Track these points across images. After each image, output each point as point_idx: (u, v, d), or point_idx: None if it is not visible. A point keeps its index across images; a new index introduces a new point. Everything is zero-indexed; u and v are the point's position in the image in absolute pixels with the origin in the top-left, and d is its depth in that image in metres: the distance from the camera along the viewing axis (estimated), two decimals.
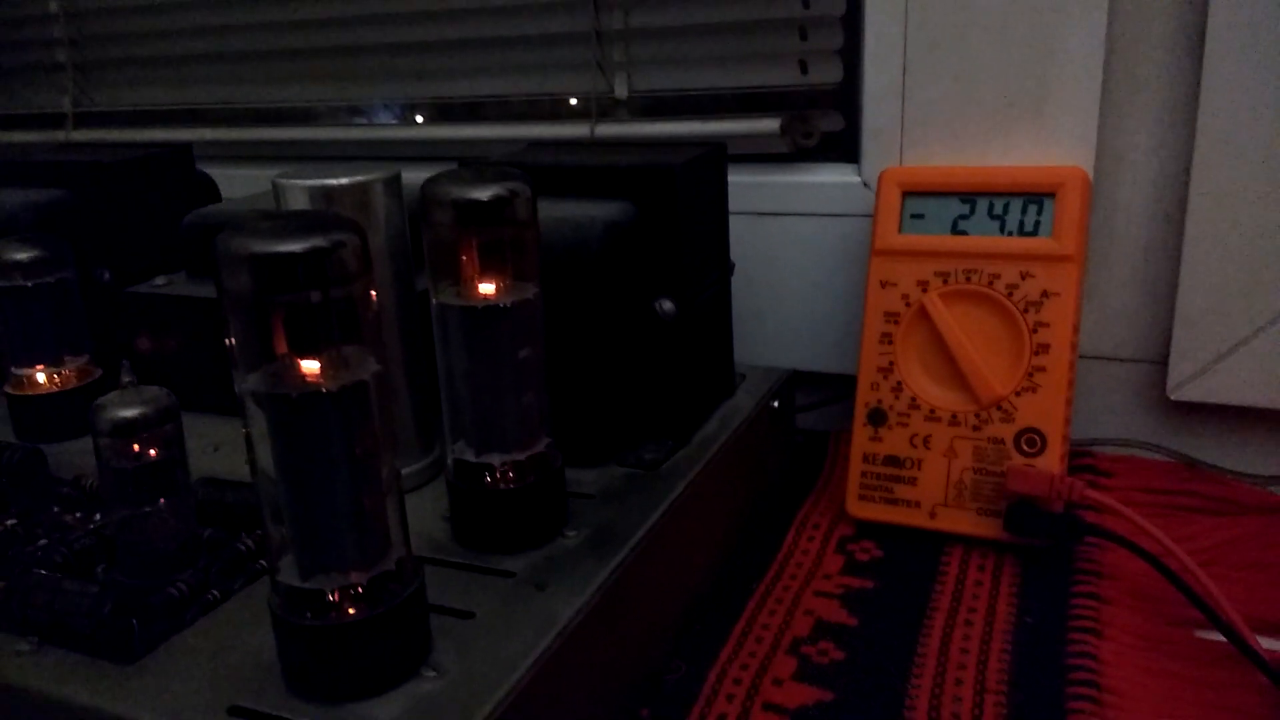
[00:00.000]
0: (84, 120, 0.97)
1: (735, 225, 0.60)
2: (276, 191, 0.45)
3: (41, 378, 0.60)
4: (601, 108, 0.73)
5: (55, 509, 0.50)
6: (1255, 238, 0.57)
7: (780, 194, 0.68)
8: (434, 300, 0.42)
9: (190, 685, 0.36)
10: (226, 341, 0.32)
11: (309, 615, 0.34)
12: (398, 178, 0.47)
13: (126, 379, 0.42)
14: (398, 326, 0.49)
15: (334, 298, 0.31)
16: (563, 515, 0.46)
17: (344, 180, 0.44)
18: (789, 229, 0.68)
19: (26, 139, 0.99)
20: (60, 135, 0.97)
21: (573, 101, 0.75)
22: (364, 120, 0.92)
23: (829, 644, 0.49)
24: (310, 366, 0.32)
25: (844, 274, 0.67)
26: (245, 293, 0.30)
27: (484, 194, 0.40)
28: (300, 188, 0.44)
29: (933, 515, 0.57)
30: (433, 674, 0.36)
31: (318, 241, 0.30)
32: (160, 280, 0.63)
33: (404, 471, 0.50)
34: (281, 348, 0.32)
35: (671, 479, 0.50)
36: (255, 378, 0.32)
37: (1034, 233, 0.56)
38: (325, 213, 0.40)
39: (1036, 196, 0.56)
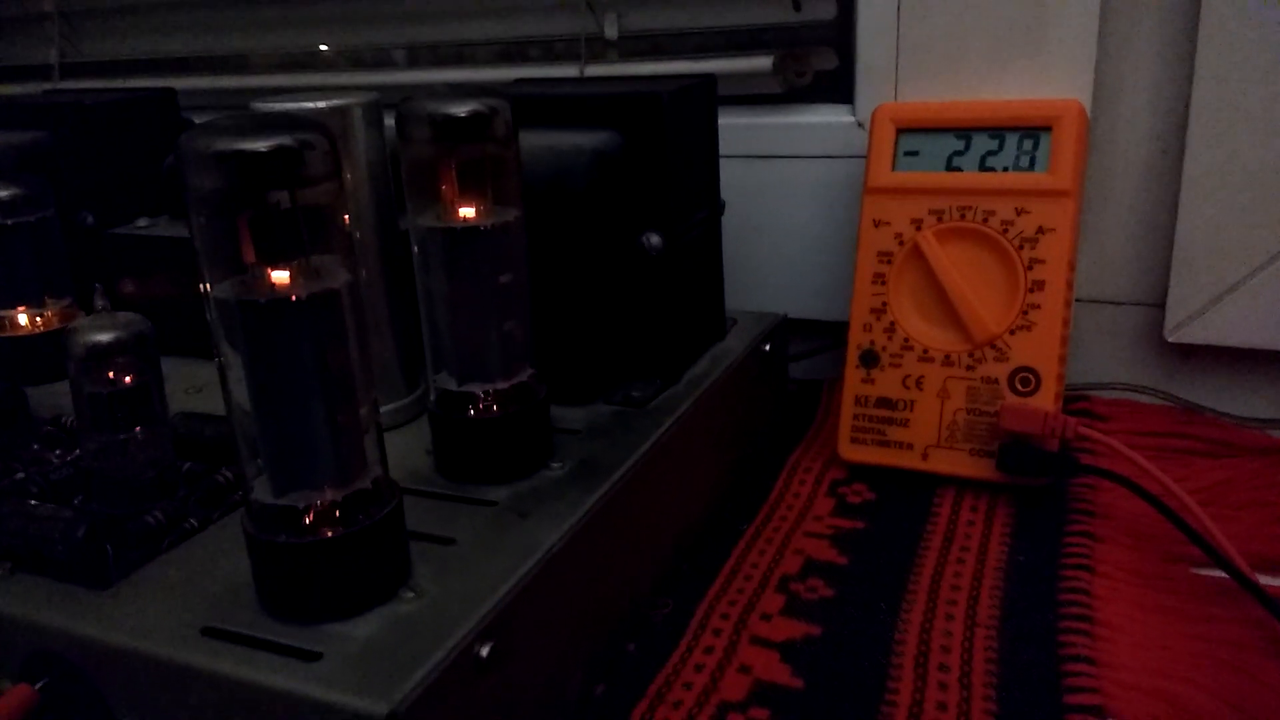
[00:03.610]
0: (70, 71, 0.96)
1: (727, 169, 0.59)
2: None
3: (23, 319, 0.59)
4: (591, 49, 0.72)
5: (35, 446, 0.49)
6: (1255, 174, 0.56)
7: (773, 136, 0.66)
8: (413, 223, 0.41)
9: (164, 609, 0.36)
10: (194, 251, 0.31)
11: (283, 534, 0.33)
12: (378, 104, 0.46)
13: (100, 303, 0.42)
14: (380, 261, 0.48)
15: (302, 201, 0.30)
16: (548, 447, 0.45)
17: (321, 104, 0.43)
18: (782, 172, 0.67)
19: (11, 91, 0.97)
20: (46, 86, 0.95)
21: (579, 43, 0.73)
22: (365, 66, 0.90)
23: (818, 581, 0.48)
24: (279, 275, 0.31)
25: (838, 218, 0.66)
26: (210, 192, 0.29)
27: (462, 110, 0.39)
28: (277, 112, 0.43)
29: (925, 457, 0.56)
30: (411, 595, 0.35)
31: (284, 140, 0.29)
32: (143, 222, 0.63)
33: (388, 408, 0.50)
34: (249, 255, 0.31)
35: (659, 416, 0.49)
36: (224, 287, 0.31)
37: (1030, 168, 0.54)
38: (294, 114, 0.39)
39: (1033, 131, 0.55)
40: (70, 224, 0.63)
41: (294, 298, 0.31)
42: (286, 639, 0.33)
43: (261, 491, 0.34)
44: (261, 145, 0.29)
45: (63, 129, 0.65)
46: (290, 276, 0.31)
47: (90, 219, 0.65)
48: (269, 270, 0.31)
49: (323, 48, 0.86)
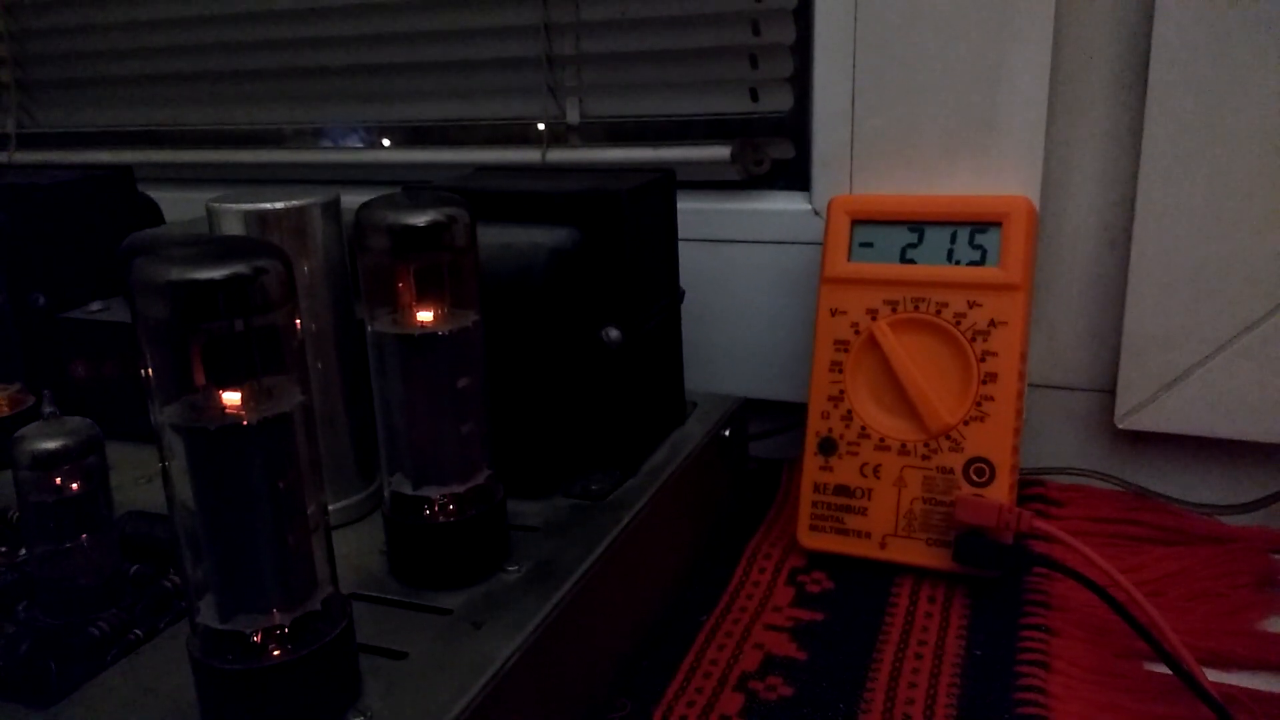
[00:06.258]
0: (27, 141, 0.95)
1: (686, 252, 0.60)
2: (211, 216, 0.44)
3: None
4: (553, 133, 0.72)
5: None
6: (1200, 265, 0.57)
7: (731, 221, 0.67)
8: (369, 328, 0.41)
9: None
10: (142, 372, 0.31)
11: (229, 658, 0.33)
12: (336, 202, 0.46)
13: (48, 409, 0.41)
14: (336, 354, 0.48)
15: (256, 327, 0.30)
16: (504, 549, 0.45)
17: (279, 205, 0.43)
18: (740, 256, 0.67)
19: None
20: (2, 157, 0.94)
21: (540, 127, 0.74)
22: (327, 143, 0.90)
23: (777, 679, 0.48)
24: (231, 398, 0.31)
25: (795, 302, 0.67)
26: (162, 322, 0.29)
27: (420, 220, 0.39)
28: (235, 212, 0.43)
29: (883, 546, 0.56)
30: (360, 719, 0.34)
31: (239, 268, 0.29)
32: (95, 306, 0.62)
33: (343, 504, 0.49)
34: (200, 379, 0.30)
35: (618, 510, 0.49)
36: (172, 410, 0.31)
37: (981, 262, 0.56)
38: (247, 238, 0.39)
39: (983, 225, 0.56)
40: (21, 304, 0.62)
41: (245, 423, 0.31)
42: None
43: (208, 615, 0.33)
44: (215, 274, 0.29)
45: (15, 210, 0.64)
46: (241, 400, 0.31)
47: (42, 300, 0.64)
48: (219, 393, 0.31)
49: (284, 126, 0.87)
